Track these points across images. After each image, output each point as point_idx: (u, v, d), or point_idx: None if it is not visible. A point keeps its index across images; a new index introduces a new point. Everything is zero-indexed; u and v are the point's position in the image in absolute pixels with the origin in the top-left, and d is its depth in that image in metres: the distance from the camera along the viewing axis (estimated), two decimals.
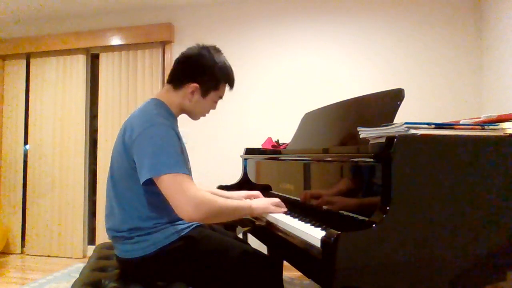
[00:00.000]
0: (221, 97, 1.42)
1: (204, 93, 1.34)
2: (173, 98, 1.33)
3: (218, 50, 1.37)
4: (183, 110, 1.38)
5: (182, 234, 1.24)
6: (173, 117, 1.33)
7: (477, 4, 2.61)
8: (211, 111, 1.46)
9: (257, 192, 1.59)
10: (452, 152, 0.99)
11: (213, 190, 1.63)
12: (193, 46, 1.36)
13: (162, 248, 1.20)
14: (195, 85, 1.30)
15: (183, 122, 3.18)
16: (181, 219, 1.27)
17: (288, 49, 2.92)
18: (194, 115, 1.41)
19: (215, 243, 1.26)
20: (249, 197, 1.55)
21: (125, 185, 1.22)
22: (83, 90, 3.27)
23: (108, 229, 1.27)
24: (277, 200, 1.41)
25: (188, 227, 1.28)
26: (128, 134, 1.19)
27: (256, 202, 1.37)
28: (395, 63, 2.72)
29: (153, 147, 1.13)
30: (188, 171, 1.17)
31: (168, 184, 1.10)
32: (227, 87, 1.41)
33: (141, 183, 1.14)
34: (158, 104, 1.30)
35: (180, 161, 1.14)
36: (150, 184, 1.14)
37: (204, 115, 1.44)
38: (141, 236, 1.20)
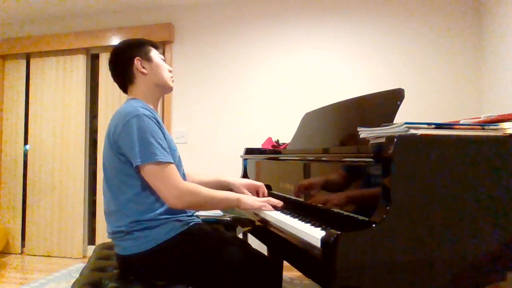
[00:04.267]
0: (163, 56, 1.45)
1: (147, 57, 1.38)
2: (139, 90, 1.37)
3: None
4: (154, 91, 1.40)
5: (182, 230, 1.25)
6: (154, 111, 1.35)
7: (477, 5, 2.61)
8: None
9: (260, 183, 1.59)
10: (452, 152, 0.99)
11: (219, 178, 1.64)
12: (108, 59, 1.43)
13: (162, 244, 1.21)
14: (136, 58, 1.35)
15: (183, 122, 3.20)
16: (180, 214, 1.29)
17: (288, 49, 2.92)
18: (164, 83, 1.41)
19: (215, 241, 1.27)
20: (250, 187, 1.56)
21: (119, 180, 1.23)
22: (83, 90, 3.27)
23: (109, 228, 1.28)
24: (265, 198, 1.42)
25: (188, 223, 1.29)
26: (113, 130, 1.23)
27: (245, 197, 1.38)
28: (395, 63, 2.72)
29: (135, 137, 1.16)
30: (172, 160, 1.21)
31: (151, 172, 1.16)
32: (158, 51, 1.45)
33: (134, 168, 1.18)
34: (136, 100, 1.33)
35: (163, 150, 1.18)
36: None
37: (172, 79, 1.44)
38: (141, 231, 1.21)
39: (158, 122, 1.25)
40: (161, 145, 1.19)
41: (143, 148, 1.15)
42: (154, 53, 1.41)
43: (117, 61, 1.39)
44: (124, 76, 1.38)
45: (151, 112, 1.25)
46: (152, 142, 1.17)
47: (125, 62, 1.36)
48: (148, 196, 1.21)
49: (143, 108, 1.24)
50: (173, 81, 1.46)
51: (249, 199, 1.37)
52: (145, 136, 1.17)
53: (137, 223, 1.21)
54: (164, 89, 1.43)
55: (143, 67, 1.36)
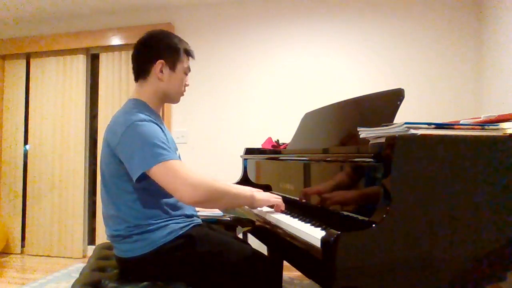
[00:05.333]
0: (189, 69, 1.41)
1: (172, 66, 1.33)
2: (147, 89, 1.33)
3: (166, 30, 1.40)
4: (161, 97, 1.36)
5: (181, 232, 1.24)
6: (154, 114, 1.32)
7: (477, 4, 2.61)
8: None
9: (259, 190, 1.59)
10: (452, 152, 0.99)
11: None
12: (142, 35, 1.35)
13: (161, 246, 1.20)
14: (160, 61, 1.30)
15: (183, 122, 3.19)
16: (179, 216, 1.28)
17: (288, 49, 2.92)
18: (173, 96, 1.38)
19: (215, 242, 1.26)
20: None
21: (117, 186, 1.22)
22: (83, 90, 3.27)
23: (107, 231, 1.28)
24: (279, 197, 1.41)
25: (187, 225, 1.28)
26: (112, 136, 1.20)
27: (259, 193, 1.36)
28: (395, 63, 2.72)
29: (136, 144, 1.13)
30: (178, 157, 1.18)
31: (161, 173, 1.11)
32: (190, 60, 1.41)
33: (134, 180, 1.14)
34: (136, 103, 1.30)
35: (167, 149, 1.15)
36: (142, 180, 1.15)
37: (182, 93, 1.41)
38: (139, 235, 1.20)
39: (159, 126, 1.22)
40: (164, 143, 1.16)
41: (147, 152, 1.12)
42: (182, 65, 1.35)
43: (142, 50, 1.33)
44: (140, 68, 1.33)
45: (148, 116, 1.22)
46: (155, 143, 1.13)
47: (148, 57, 1.31)
48: (147, 201, 1.20)
49: (141, 113, 1.21)
50: (183, 95, 1.41)
51: (264, 195, 1.35)
52: (147, 139, 1.14)
53: (135, 227, 1.20)
54: (170, 100, 1.39)
55: (162, 72, 1.30)
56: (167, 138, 1.24)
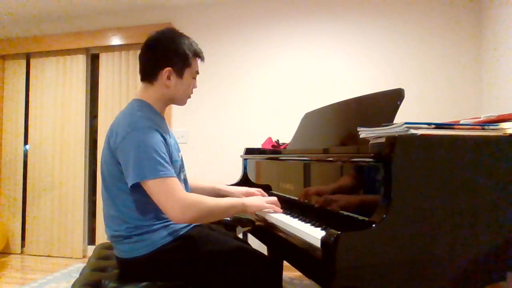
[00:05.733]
0: (197, 72, 1.39)
1: (179, 73, 1.31)
2: (153, 93, 1.32)
3: (175, 30, 1.37)
4: (167, 101, 1.36)
5: (181, 233, 1.25)
6: (158, 116, 1.32)
7: (477, 4, 2.61)
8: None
9: (257, 189, 1.59)
10: (452, 152, 0.99)
11: (215, 186, 1.63)
12: (151, 36, 1.33)
13: (161, 247, 1.20)
14: (168, 68, 1.28)
15: (183, 122, 3.19)
16: None
17: (288, 49, 2.92)
18: (179, 100, 1.38)
19: (214, 242, 1.27)
20: (249, 194, 1.54)
21: (117, 187, 1.21)
22: (83, 90, 3.27)
23: (107, 231, 1.28)
24: (273, 198, 1.40)
25: (187, 225, 1.28)
26: (113, 138, 1.20)
27: (250, 199, 1.35)
28: (395, 63, 2.72)
29: (136, 152, 1.13)
30: (174, 173, 1.17)
31: (153, 189, 1.12)
32: (199, 61, 1.39)
33: (129, 186, 1.15)
34: (141, 104, 1.29)
35: (164, 164, 1.14)
36: (139, 185, 1.15)
37: (189, 96, 1.40)
38: (140, 235, 1.20)
39: (161, 133, 1.21)
40: (162, 158, 1.15)
41: (143, 164, 1.11)
42: (190, 71, 1.34)
43: (150, 54, 1.30)
44: (146, 71, 1.31)
45: (153, 120, 1.22)
46: (153, 156, 1.12)
47: (155, 63, 1.28)
48: (146, 202, 1.19)
49: (145, 117, 1.20)
50: (190, 97, 1.40)
51: (256, 201, 1.35)
52: (146, 150, 1.12)
53: (135, 228, 1.20)
54: (176, 103, 1.39)
55: (169, 79, 1.29)
56: (168, 145, 1.23)
